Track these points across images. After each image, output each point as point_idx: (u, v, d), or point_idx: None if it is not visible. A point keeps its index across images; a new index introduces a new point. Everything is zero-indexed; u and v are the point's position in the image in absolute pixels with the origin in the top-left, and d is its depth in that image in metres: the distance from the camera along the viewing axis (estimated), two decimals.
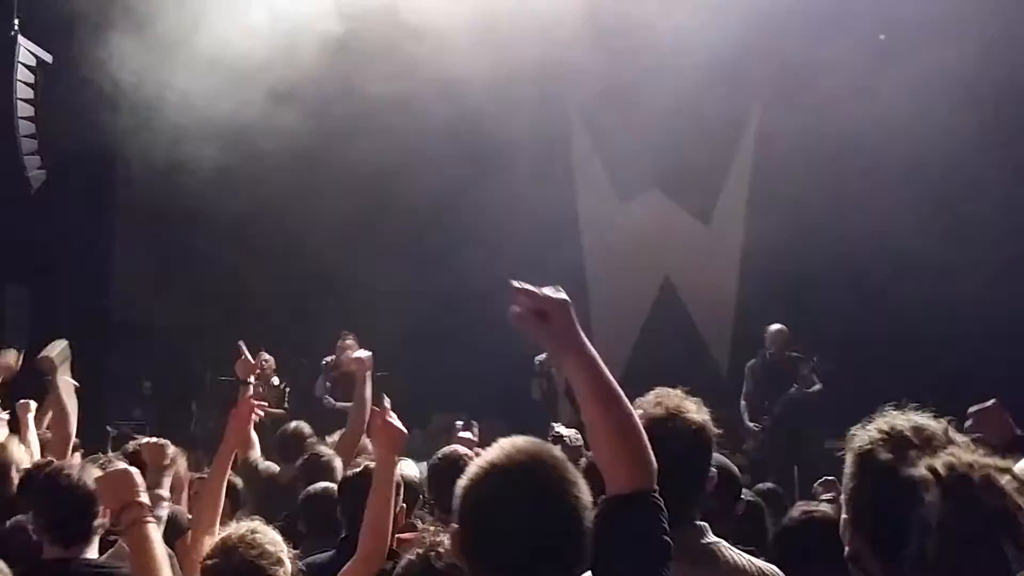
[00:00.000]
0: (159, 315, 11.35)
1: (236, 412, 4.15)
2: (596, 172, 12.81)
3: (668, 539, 1.96)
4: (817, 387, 9.06)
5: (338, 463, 4.98)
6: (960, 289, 9.35)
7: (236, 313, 11.47)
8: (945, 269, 9.41)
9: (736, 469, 4.10)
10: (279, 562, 2.82)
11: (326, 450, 5.26)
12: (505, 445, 1.94)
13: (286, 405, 10.02)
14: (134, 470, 2.95)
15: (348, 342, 9.95)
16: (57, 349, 5.41)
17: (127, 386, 11.63)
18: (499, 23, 9.99)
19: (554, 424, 5.34)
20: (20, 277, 11.30)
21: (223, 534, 2.93)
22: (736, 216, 12.30)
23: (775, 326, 9.43)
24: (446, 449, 4.51)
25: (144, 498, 2.85)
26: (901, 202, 9.68)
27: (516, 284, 1.99)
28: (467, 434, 5.20)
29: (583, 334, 1.98)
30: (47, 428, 5.48)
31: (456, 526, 1.94)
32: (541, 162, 12.01)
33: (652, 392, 2.72)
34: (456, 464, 3.90)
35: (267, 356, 10.55)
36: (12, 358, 6.08)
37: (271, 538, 2.87)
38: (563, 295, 1.99)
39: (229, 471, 4.04)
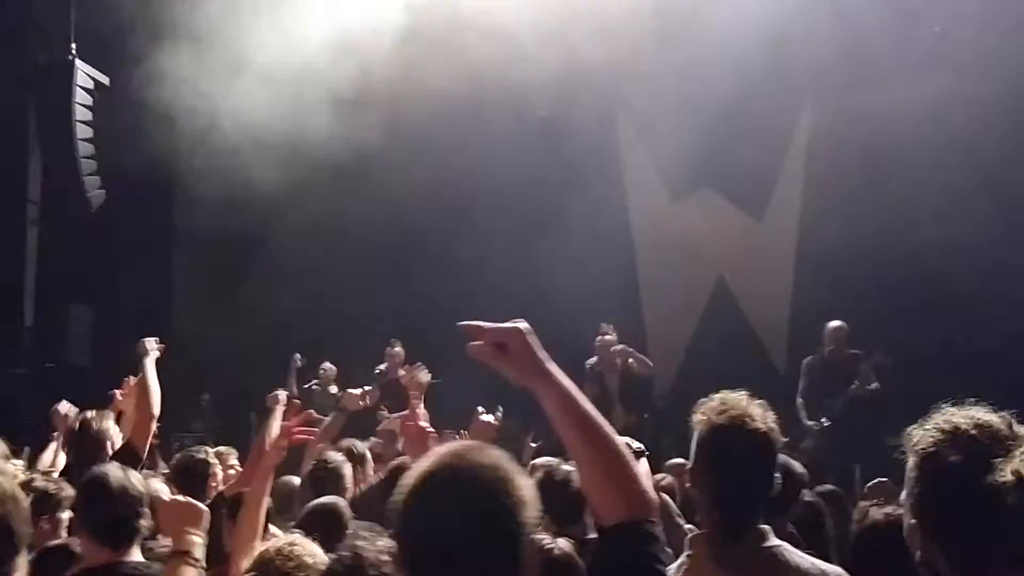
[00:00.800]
0: (218, 330, 11.50)
1: (286, 428, 3.80)
2: (647, 171, 12.76)
3: (662, 571, 1.87)
4: (875, 385, 8.92)
5: (347, 470, 4.97)
6: (1021, 286, 9.21)
7: (294, 327, 11.65)
8: (1003, 265, 9.26)
9: (799, 466, 4.06)
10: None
11: (335, 456, 5.17)
12: (438, 451, 1.86)
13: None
14: (203, 508, 2.96)
15: (396, 350, 10.04)
16: (152, 341, 5.63)
17: (187, 400, 11.82)
18: (558, 23, 10.05)
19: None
20: (84, 297, 11.57)
21: (262, 548, 2.90)
22: (790, 212, 12.16)
23: (833, 323, 9.30)
24: (537, 461, 4.29)
25: (199, 538, 2.85)
26: (957, 197, 9.52)
27: (462, 324, 1.93)
28: (488, 417, 5.07)
29: (548, 361, 1.92)
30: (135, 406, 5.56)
31: (394, 543, 1.86)
32: (592, 163, 12.02)
33: (718, 396, 2.65)
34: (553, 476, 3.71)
35: (327, 365, 10.70)
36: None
37: (310, 550, 2.82)
38: (521, 324, 1.93)
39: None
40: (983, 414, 1.93)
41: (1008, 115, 9.17)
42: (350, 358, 11.25)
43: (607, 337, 9.47)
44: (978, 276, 9.38)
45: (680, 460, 5.48)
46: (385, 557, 2.43)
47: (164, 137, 10.27)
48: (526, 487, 1.80)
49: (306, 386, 10.75)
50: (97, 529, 3.39)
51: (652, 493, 1.91)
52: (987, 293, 9.31)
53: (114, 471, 3.51)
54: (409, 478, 1.82)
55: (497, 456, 1.82)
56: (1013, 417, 1.93)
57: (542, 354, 1.92)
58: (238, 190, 10.18)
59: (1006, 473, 1.72)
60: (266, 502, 3.63)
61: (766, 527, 2.59)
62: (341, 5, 10.37)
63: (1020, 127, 9.32)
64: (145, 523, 3.43)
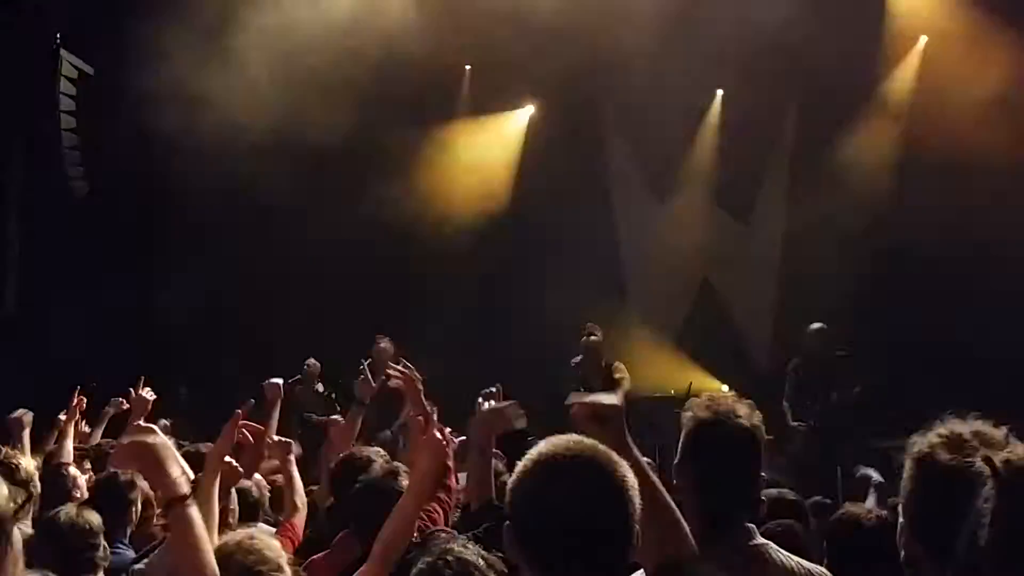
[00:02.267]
0: (198, 321, 11.40)
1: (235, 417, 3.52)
2: (632, 172, 12.78)
3: None
4: (858, 389, 8.94)
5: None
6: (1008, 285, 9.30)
7: (289, 318, 11.56)
8: (992, 264, 9.32)
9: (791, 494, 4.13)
10: (279, 568, 2.74)
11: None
12: (551, 440, 1.97)
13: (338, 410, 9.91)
14: (158, 439, 2.47)
15: (382, 345, 9.85)
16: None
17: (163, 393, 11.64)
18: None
19: None
20: (64, 285, 11.41)
21: (221, 541, 2.81)
22: (775, 215, 12.19)
23: (815, 325, 9.33)
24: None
25: (177, 471, 2.43)
26: (939, 199, 9.60)
27: (574, 399, 2.31)
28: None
29: (628, 435, 2.24)
30: None
31: (507, 523, 1.95)
32: (577, 163, 12.02)
33: (706, 393, 2.73)
34: None
35: (311, 360, 10.54)
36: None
37: (269, 544, 2.79)
38: (616, 400, 2.30)
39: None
40: (983, 425, 1.99)
41: None
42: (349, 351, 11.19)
43: (592, 338, 9.42)
44: (964, 274, 9.44)
45: None
46: (483, 563, 2.54)
47: (150, 125, 10.17)
48: (631, 474, 1.94)
49: (289, 381, 10.56)
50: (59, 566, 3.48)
51: (692, 541, 2.18)
52: (972, 294, 9.38)
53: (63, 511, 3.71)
54: (526, 463, 1.95)
55: (607, 448, 1.99)
56: (1012, 432, 1.97)
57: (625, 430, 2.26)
58: (221, 179, 10.10)
59: (976, 462, 1.74)
60: (215, 507, 3.28)
61: (751, 526, 2.61)
62: None
63: None
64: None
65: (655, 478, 2.15)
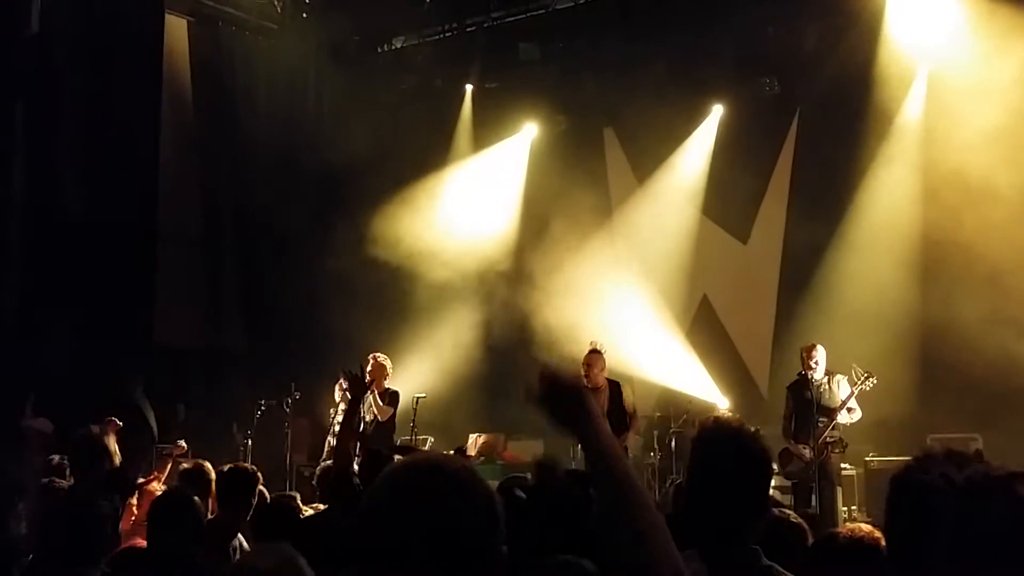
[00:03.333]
0: (198, 339, 11.43)
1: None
2: (632, 190, 12.84)
3: None
4: (858, 416, 8.92)
5: None
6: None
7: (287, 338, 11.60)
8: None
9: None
10: None
11: None
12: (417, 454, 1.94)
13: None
14: None
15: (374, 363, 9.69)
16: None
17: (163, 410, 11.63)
18: None
19: None
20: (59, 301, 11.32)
21: None
22: (774, 234, 12.23)
23: (813, 345, 9.31)
24: None
25: None
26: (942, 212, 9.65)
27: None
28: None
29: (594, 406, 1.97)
30: None
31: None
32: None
33: (714, 415, 2.76)
34: None
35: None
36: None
37: None
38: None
39: None
40: (957, 445, 2.11)
41: None
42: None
43: (595, 355, 9.40)
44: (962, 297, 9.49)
45: None
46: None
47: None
48: (496, 499, 1.77)
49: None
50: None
51: (680, 561, 1.90)
52: (968, 312, 9.42)
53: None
54: (387, 472, 1.80)
55: (458, 462, 1.82)
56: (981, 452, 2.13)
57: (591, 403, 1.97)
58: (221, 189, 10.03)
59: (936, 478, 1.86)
60: None
61: (757, 547, 2.58)
62: None
63: None
64: None
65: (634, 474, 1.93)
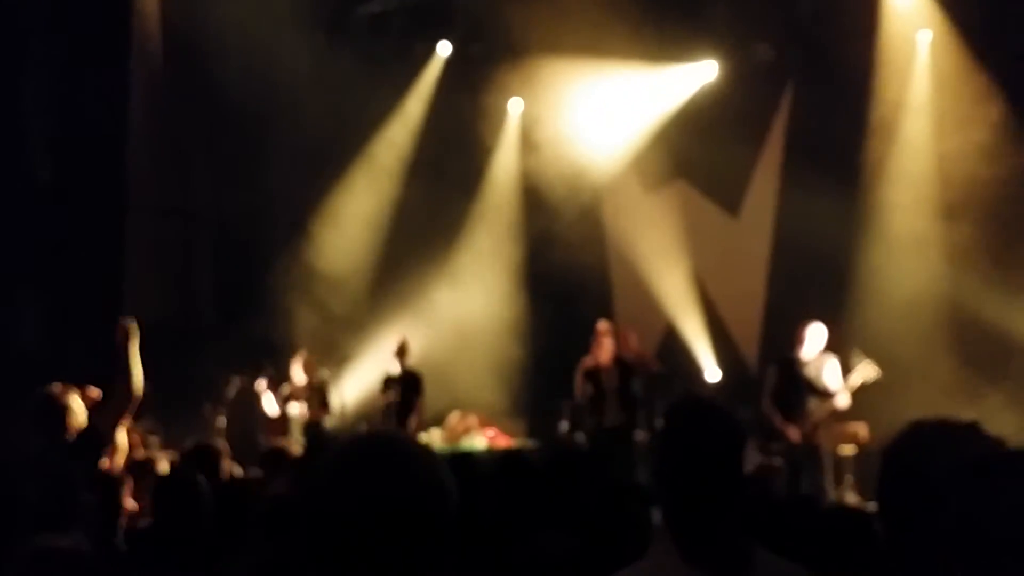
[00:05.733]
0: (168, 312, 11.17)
1: None
2: (621, 162, 12.52)
3: None
4: (846, 397, 8.66)
5: None
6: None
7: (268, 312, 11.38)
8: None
9: None
10: None
11: None
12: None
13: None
14: None
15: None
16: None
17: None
18: None
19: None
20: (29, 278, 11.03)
21: None
22: (766, 208, 11.94)
23: (806, 322, 9.03)
24: None
25: None
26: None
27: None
28: None
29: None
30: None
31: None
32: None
33: (686, 395, 2.54)
34: None
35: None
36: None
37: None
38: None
39: None
40: (954, 417, 2.01)
41: None
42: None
43: (604, 336, 9.20)
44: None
45: None
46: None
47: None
48: (449, 477, 1.75)
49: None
50: None
51: None
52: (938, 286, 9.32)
53: None
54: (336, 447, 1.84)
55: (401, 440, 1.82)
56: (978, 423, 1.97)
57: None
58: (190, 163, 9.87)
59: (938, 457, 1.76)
60: None
61: (735, 526, 2.43)
62: None
63: None
64: None
65: None
